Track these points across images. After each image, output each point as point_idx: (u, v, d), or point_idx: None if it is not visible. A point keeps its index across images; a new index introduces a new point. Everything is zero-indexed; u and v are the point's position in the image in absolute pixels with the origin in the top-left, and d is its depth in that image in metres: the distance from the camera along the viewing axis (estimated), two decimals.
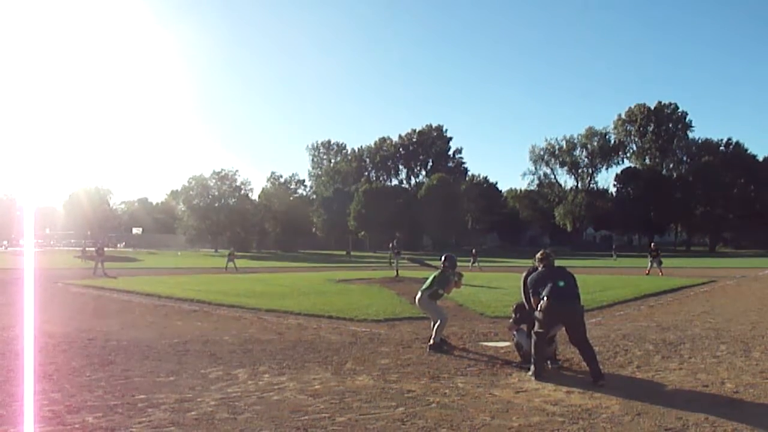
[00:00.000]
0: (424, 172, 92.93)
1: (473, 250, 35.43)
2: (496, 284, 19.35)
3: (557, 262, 6.95)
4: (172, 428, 4.66)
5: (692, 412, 5.02)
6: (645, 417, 4.92)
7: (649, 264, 26.31)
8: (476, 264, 32.71)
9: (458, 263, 8.77)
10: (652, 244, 28.73)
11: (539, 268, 6.88)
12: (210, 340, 8.80)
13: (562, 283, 6.58)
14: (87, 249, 43.38)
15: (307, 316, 11.57)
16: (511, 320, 7.52)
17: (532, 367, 6.44)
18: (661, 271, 25.04)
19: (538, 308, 6.54)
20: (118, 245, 77.53)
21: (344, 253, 63.68)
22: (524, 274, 7.13)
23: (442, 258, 8.64)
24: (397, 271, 26.74)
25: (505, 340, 8.31)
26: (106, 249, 31.86)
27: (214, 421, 4.83)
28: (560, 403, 5.41)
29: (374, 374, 6.58)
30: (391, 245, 27.19)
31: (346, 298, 14.82)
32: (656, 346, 8.25)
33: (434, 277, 8.49)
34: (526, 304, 7.07)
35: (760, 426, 4.76)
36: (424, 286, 8.51)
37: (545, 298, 6.45)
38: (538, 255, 7.08)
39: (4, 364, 7.07)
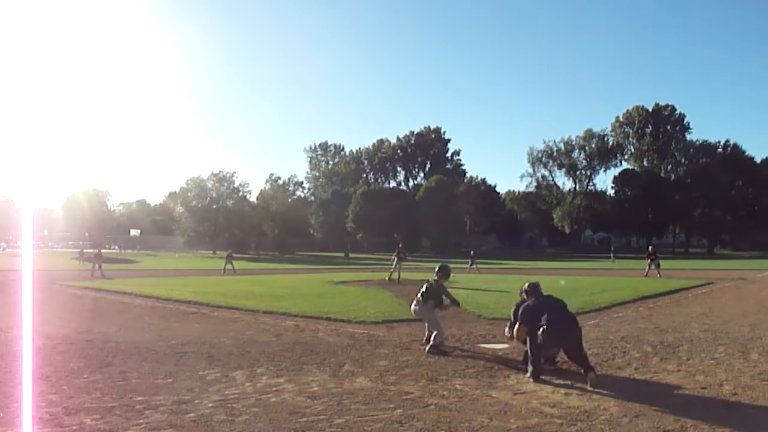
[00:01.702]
0: (422, 174, 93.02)
1: (471, 252, 35.49)
2: (494, 286, 19.35)
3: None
4: (170, 430, 4.66)
5: (690, 413, 5.03)
6: (643, 419, 4.92)
7: (648, 266, 26.38)
8: (474, 266, 32.80)
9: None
10: (651, 246, 28.78)
11: (527, 300, 6.85)
12: (208, 342, 8.78)
13: (563, 304, 6.64)
14: (85, 250, 43.29)
15: (305, 318, 11.56)
16: (507, 325, 7.48)
17: (531, 369, 6.44)
18: (659, 273, 25.09)
19: (540, 332, 6.39)
20: (116, 247, 77.30)
21: (342, 254, 63.66)
22: (515, 306, 7.06)
23: (437, 269, 8.83)
24: (399, 275, 25.92)
25: (503, 342, 8.31)
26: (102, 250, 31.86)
27: (211, 423, 4.82)
28: (558, 404, 5.41)
29: (372, 376, 6.57)
30: (398, 252, 26.91)
31: (344, 300, 14.81)
32: (654, 347, 8.25)
33: (427, 288, 8.55)
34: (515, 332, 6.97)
35: (758, 428, 4.77)
36: (419, 296, 8.58)
37: (546, 326, 6.36)
38: (525, 287, 7.04)
39: (2, 366, 7.05)
